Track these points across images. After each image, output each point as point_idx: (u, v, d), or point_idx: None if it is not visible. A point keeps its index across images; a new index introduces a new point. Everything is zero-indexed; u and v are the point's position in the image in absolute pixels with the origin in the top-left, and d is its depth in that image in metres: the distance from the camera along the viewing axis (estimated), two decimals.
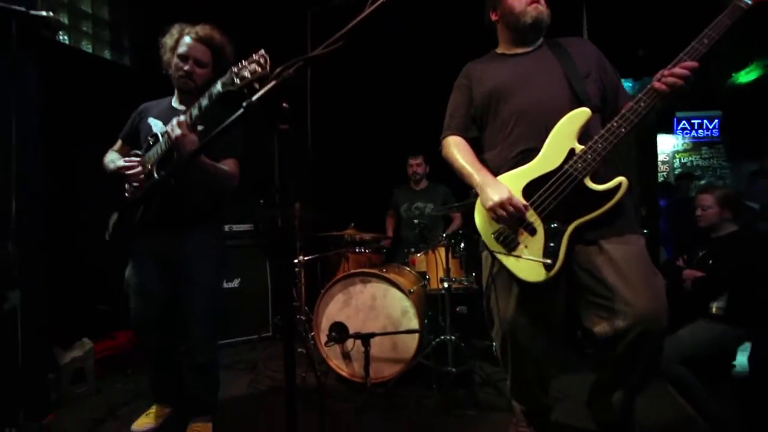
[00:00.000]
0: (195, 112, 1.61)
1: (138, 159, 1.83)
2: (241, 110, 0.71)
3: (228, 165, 1.85)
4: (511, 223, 1.43)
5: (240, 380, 2.69)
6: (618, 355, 1.33)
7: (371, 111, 4.27)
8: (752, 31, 3.37)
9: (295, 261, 2.99)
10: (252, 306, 3.55)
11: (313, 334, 2.73)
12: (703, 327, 2.33)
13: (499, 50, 1.66)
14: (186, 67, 1.81)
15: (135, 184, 1.82)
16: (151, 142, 1.83)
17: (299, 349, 2.80)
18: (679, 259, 2.65)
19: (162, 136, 1.77)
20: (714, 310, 2.34)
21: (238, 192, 2.00)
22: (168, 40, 1.86)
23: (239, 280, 3.52)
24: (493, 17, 1.63)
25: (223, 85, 1.44)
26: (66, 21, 3.12)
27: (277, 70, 0.73)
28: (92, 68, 3.18)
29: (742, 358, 2.45)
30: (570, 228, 1.36)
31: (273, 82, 0.72)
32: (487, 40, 1.72)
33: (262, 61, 1.26)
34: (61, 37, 3.05)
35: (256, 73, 1.28)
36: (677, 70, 1.30)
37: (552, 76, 1.49)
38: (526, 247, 1.41)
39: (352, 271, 2.70)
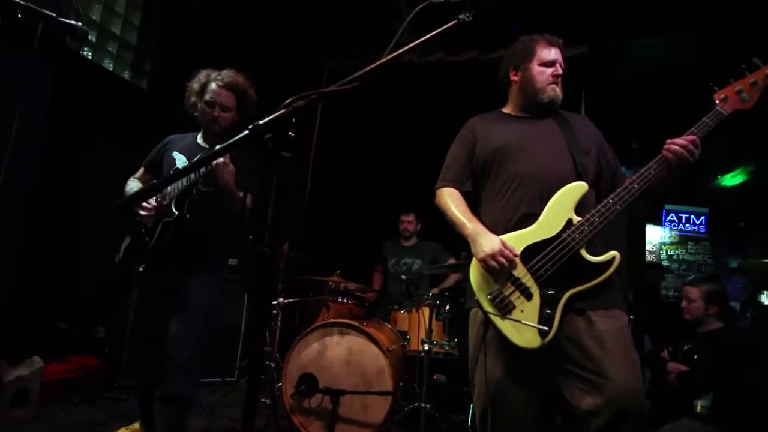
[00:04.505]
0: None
1: (155, 205, 1.89)
2: (246, 132, 0.70)
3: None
4: (506, 283, 1.42)
5: (192, 426, 2.47)
6: None
7: (371, 165, 4.36)
8: (739, 137, 3.59)
9: (274, 303, 2.88)
10: (221, 346, 3.36)
11: (280, 384, 2.57)
12: (688, 426, 2.23)
13: (506, 110, 1.71)
14: (214, 113, 1.93)
15: (145, 215, 1.88)
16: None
17: (263, 399, 2.61)
18: (664, 350, 2.59)
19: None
20: (699, 408, 2.25)
21: (238, 231, 2.00)
22: (195, 85, 1.98)
23: None
24: (513, 77, 1.67)
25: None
26: (93, 40, 3.24)
27: (289, 99, 0.73)
28: (109, 85, 3.25)
29: None
30: (565, 296, 1.38)
31: (283, 110, 0.72)
32: (486, 103, 1.77)
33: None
34: (84, 52, 3.14)
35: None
36: (679, 140, 1.39)
37: (556, 146, 1.54)
38: (522, 311, 1.39)
39: (332, 320, 2.59)
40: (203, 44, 3.55)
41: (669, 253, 6.25)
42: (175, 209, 1.80)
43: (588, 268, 1.38)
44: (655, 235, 6.31)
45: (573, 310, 1.39)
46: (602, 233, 1.41)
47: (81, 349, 2.93)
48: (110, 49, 3.42)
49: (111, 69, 3.39)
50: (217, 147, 0.80)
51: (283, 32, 4.05)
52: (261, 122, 0.70)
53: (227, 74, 1.95)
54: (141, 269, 1.97)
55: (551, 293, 1.38)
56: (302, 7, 3.81)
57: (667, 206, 6.23)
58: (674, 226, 6.29)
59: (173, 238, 1.82)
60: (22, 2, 1.36)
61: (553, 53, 1.58)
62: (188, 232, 1.83)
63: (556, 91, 1.59)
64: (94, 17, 3.25)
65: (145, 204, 1.88)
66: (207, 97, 1.92)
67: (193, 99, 1.98)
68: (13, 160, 1.40)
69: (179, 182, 1.84)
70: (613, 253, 1.39)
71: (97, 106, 3.03)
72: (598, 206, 1.41)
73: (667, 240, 6.28)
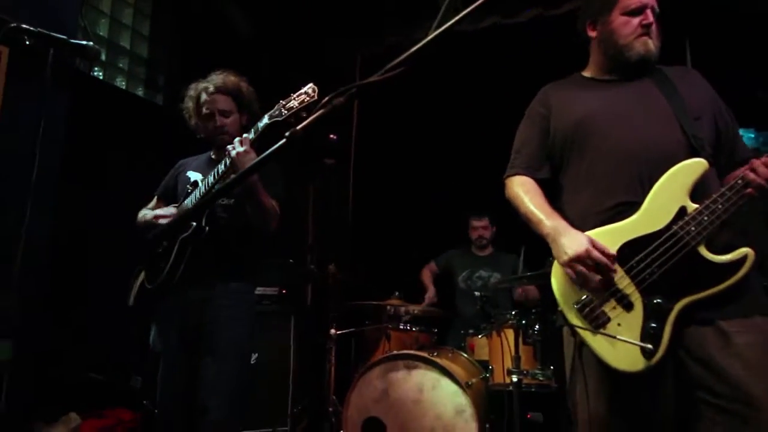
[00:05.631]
0: (251, 136, 1.84)
1: (173, 210, 2.05)
2: (284, 140, 0.74)
3: None
4: (598, 290, 1.36)
5: None
6: None
7: (424, 161, 4.35)
8: None
9: (326, 335, 2.95)
10: (269, 390, 3.47)
11: None
12: None
13: (588, 73, 1.66)
14: (216, 124, 2.08)
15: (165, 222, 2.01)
16: (189, 190, 2.04)
17: None
18: None
19: (201, 182, 2.00)
20: None
21: (264, 248, 2.07)
22: (189, 104, 2.16)
23: (256, 355, 3.50)
24: (591, 32, 1.61)
25: (270, 116, 1.65)
26: (103, 57, 3.55)
27: (327, 97, 0.77)
28: (123, 105, 3.54)
29: None
30: (678, 306, 1.30)
31: (321, 111, 0.75)
32: (559, 71, 1.71)
33: (310, 91, 1.43)
34: (95, 72, 3.44)
35: (304, 102, 1.44)
36: None
37: (658, 114, 1.47)
38: (619, 324, 1.34)
39: (395, 352, 2.62)
40: (219, 43, 3.76)
41: None
42: (193, 221, 1.92)
43: (709, 270, 1.30)
44: None
45: (695, 321, 1.32)
46: (731, 222, 1.32)
47: (117, 402, 3.16)
48: (121, 65, 3.73)
49: (124, 87, 3.69)
50: (254, 161, 0.85)
51: (306, 15, 4.18)
52: (298, 127, 0.74)
53: (215, 78, 2.10)
54: (155, 306, 2.07)
55: (658, 302, 1.31)
56: None
57: None
58: None
59: (193, 259, 1.92)
60: (30, 28, 1.52)
61: None
62: (210, 245, 1.93)
63: (647, 45, 1.50)
64: (101, 32, 3.56)
65: (162, 211, 2.05)
66: (203, 110, 2.08)
67: (194, 120, 2.15)
68: (35, 202, 1.56)
69: (195, 192, 1.99)
70: (744, 250, 1.29)
71: (112, 130, 3.30)
72: (722, 189, 1.33)
73: None
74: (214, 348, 1.91)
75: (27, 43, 1.55)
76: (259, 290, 3.60)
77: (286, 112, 1.63)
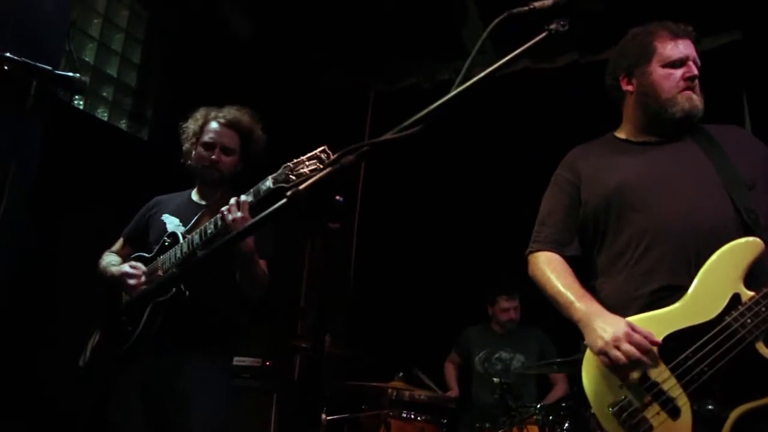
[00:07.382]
0: (251, 199, 1.86)
1: (143, 269, 2.03)
2: (284, 200, 0.77)
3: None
4: (638, 390, 1.35)
5: None
6: None
7: (440, 220, 4.38)
8: None
9: (315, 420, 2.89)
10: None
11: None
12: None
13: (621, 134, 1.69)
14: (212, 156, 2.12)
15: (134, 283, 2.01)
16: (166, 243, 2.05)
17: None
18: None
19: (183, 236, 2.01)
20: None
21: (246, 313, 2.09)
22: (191, 126, 2.22)
23: None
24: (626, 87, 1.65)
25: (275, 180, 1.67)
26: (87, 85, 3.69)
27: (336, 155, 0.80)
28: (103, 138, 3.63)
29: None
30: (733, 415, 1.29)
31: (329, 169, 0.79)
32: (596, 126, 1.75)
33: (323, 156, 1.45)
34: (75, 102, 3.58)
35: (317, 171, 1.48)
36: None
37: (704, 183, 1.49)
38: None
39: None
40: (217, 76, 3.90)
41: None
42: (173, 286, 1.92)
43: None
44: None
45: None
46: None
47: None
48: (105, 94, 3.87)
49: (106, 119, 3.82)
50: (248, 223, 0.88)
51: (313, 48, 4.34)
52: (301, 187, 0.77)
53: (230, 111, 2.18)
54: (115, 373, 2.05)
55: (710, 410, 1.30)
56: (336, 14, 4.05)
57: None
58: None
59: (166, 325, 1.93)
60: (14, 57, 1.60)
61: (680, 47, 1.56)
62: (188, 315, 1.94)
63: (692, 101, 1.55)
64: (86, 57, 3.72)
65: (132, 270, 2.01)
66: (206, 138, 2.14)
67: (189, 143, 2.20)
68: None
69: (176, 250, 1.99)
70: None
71: (89, 166, 3.37)
72: None
73: None
74: (181, 427, 1.90)
75: (6, 68, 1.63)
76: (237, 360, 3.56)
77: (294, 178, 1.69)
